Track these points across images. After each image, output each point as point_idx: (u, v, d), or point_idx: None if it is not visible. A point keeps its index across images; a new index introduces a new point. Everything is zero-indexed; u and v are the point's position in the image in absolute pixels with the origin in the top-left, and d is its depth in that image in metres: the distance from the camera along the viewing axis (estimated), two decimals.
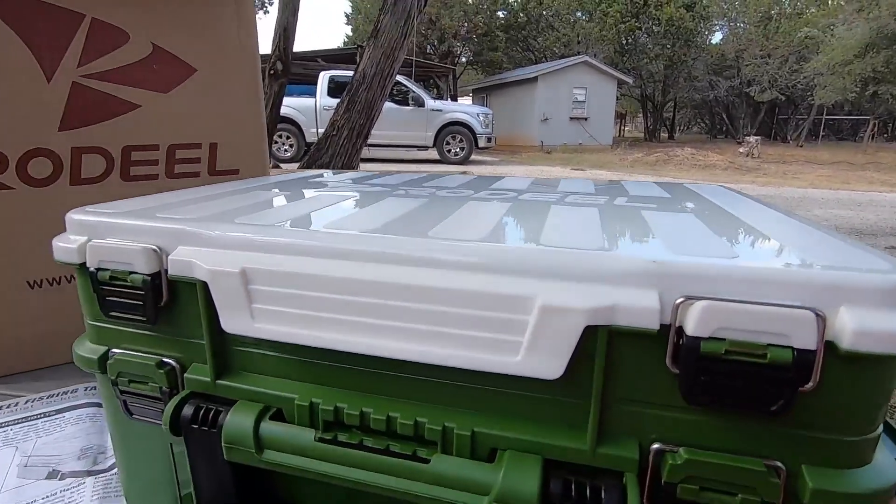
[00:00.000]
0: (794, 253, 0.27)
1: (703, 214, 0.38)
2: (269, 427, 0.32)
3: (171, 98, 0.73)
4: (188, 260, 0.32)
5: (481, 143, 8.79)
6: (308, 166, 3.43)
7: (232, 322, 0.31)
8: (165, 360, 0.35)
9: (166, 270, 0.33)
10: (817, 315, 0.23)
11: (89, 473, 0.49)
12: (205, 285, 0.32)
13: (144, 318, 0.34)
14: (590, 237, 0.30)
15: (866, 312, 0.23)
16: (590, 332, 0.26)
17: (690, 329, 0.24)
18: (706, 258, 0.26)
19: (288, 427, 0.32)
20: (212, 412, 0.33)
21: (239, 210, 0.38)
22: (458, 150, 8.73)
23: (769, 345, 0.24)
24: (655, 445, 0.27)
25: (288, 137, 8.22)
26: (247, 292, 0.31)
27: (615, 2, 16.29)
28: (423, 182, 0.56)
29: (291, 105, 7.94)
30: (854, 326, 0.23)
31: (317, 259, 0.30)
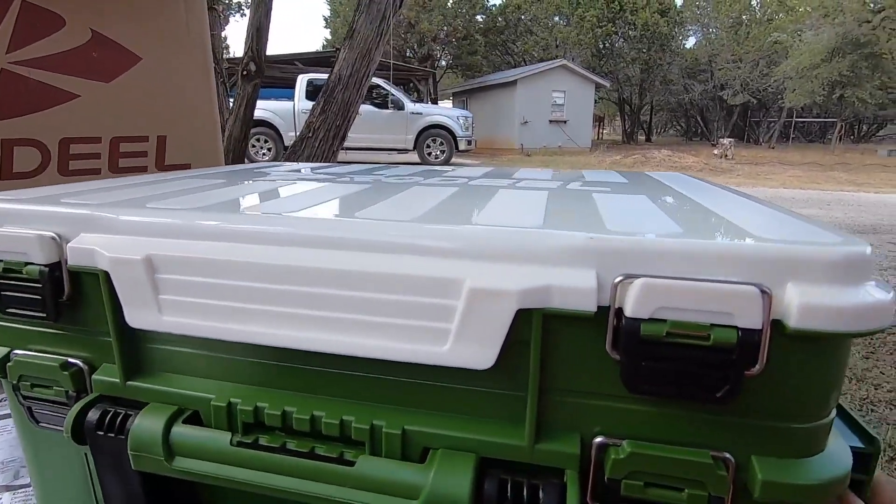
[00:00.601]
0: (742, 229, 0.26)
1: (657, 197, 0.36)
2: (182, 431, 0.29)
3: (113, 88, 0.69)
4: (89, 248, 0.29)
5: (462, 146, 8.80)
6: None
7: (137, 315, 0.28)
8: (71, 360, 0.32)
9: (67, 260, 0.30)
10: (762, 291, 0.21)
11: (7, 489, 0.45)
12: (107, 275, 0.29)
13: (45, 315, 0.31)
14: (529, 217, 0.28)
15: (814, 288, 0.21)
16: (523, 317, 0.24)
17: (630, 310, 0.22)
18: (647, 234, 0.24)
19: (202, 431, 0.29)
20: (119, 416, 0.30)
21: (157, 196, 0.35)
22: (438, 153, 8.72)
23: (713, 325, 0.22)
24: (598, 439, 0.25)
25: (266, 141, 8.11)
26: (152, 282, 0.28)
27: (592, 7, 16.54)
28: (374, 170, 0.53)
29: (269, 108, 7.84)
30: (801, 303, 0.21)
31: (230, 243, 0.27)
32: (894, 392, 1.78)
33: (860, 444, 0.27)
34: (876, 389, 1.80)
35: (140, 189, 0.38)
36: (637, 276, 0.22)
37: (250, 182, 0.43)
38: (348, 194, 0.36)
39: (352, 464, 0.26)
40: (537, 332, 0.24)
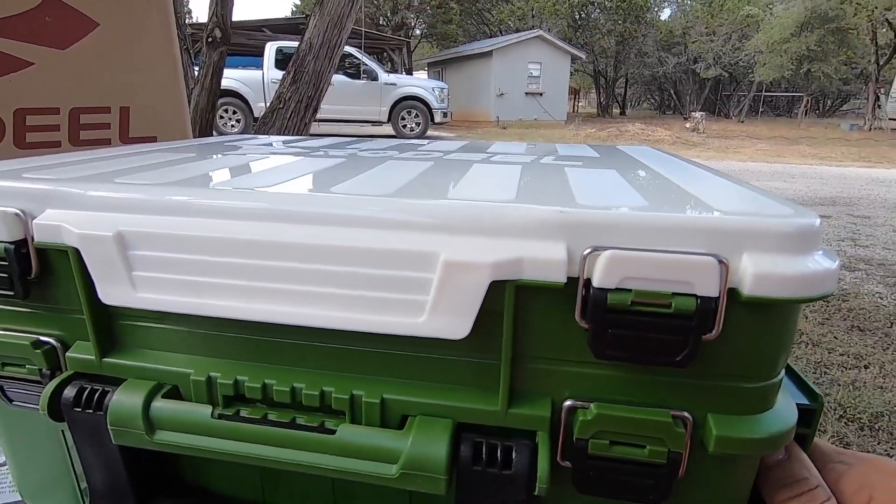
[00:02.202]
0: (703, 202, 0.27)
1: (626, 170, 0.37)
2: (162, 405, 0.29)
3: (70, 55, 0.65)
4: (56, 224, 0.28)
5: (437, 118, 8.69)
6: None
7: (110, 292, 0.28)
8: (43, 338, 0.32)
9: (33, 237, 0.29)
10: (720, 261, 0.23)
11: None
12: (77, 252, 0.28)
13: (13, 293, 0.30)
14: (502, 191, 0.29)
15: (767, 257, 0.23)
16: (497, 288, 0.24)
17: (597, 280, 0.23)
18: (615, 208, 0.25)
19: (182, 404, 0.29)
20: (97, 393, 0.30)
21: (125, 170, 0.34)
22: (413, 125, 8.59)
23: (674, 294, 0.23)
24: (567, 402, 0.26)
25: (234, 112, 7.82)
26: (125, 258, 0.27)
27: None
28: (348, 144, 0.53)
29: (237, 78, 7.54)
30: (755, 272, 0.22)
31: (204, 219, 0.27)
32: (846, 356, 1.89)
33: (805, 401, 0.29)
34: (829, 353, 1.91)
35: (106, 163, 0.37)
36: (604, 249, 0.23)
37: (221, 156, 0.42)
38: (323, 168, 0.36)
39: (332, 432, 0.27)
40: (510, 302, 0.25)
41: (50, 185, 0.30)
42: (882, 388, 1.69)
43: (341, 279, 0.25)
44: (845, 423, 1.52)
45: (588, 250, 0.24)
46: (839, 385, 1.71)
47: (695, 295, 0.23)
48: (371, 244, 0.25)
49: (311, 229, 0.26)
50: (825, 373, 1.81)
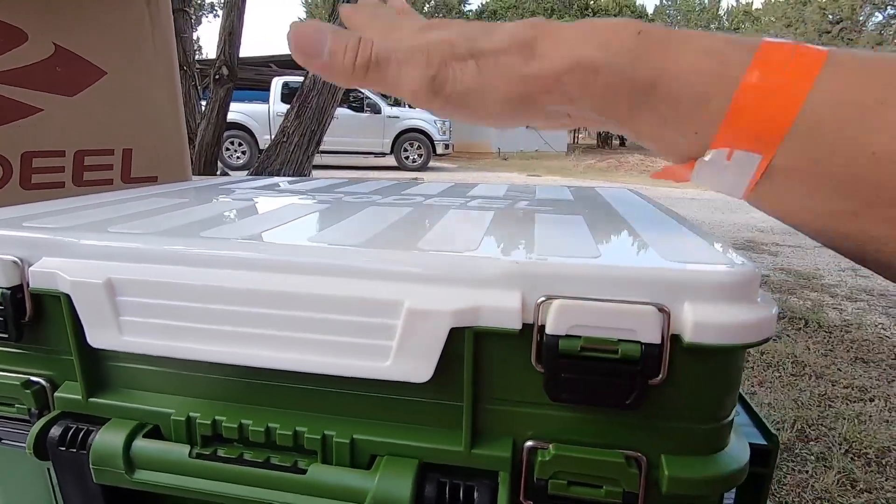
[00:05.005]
0: (653, 252, 0.29)
1: (593, 217, 0.39)
2: (142, 445, 0.30)
3: (77, 102, 0.69)
4: (51, 271, 0.30)
5: (439, 150, 8.84)
6: (257, 174, 3.36)
7: (98, 336, 0.30)
8: (33, 379, 0.33)
9: (28, 283, 0.31)
10: (660, 310, 0.24)
11: None
12: (68, 298, 0.30)
13: (6, 335, 0.32)
14: (467, 241, 0.31)
15: (706, 306, 0.24)
16: (457, 334, 0.26)
17: (550, 327, 0.25)
18: (565, 258, 0.27)
19: (161, 444, 0.30)
20: (81, 432, 0.31)
21: (119, 219, 0.36)
22: (415, 156, 8.74)
23: (620, 340, 0.25)
24: (528, 443, 0.28)
25: (240, 144, 8.00)
26: (113, 304, 0.29)
27: (567, 14, 16.83)
28: (337, 187, 0.55)
29: (244, 111, 7.74)
30: (694, 320, 0.24)
31: (187, 267, 0.29)
32: (850, 388, 1.87)
33: (762, 441, 0.30)
34: (833, 385, 1.89)
35: (102, 210, 0.39)
36: (555, 298, 0.25)
37: (215, 201, 0.45)
38: (306, 216, 0.38)
39: (304, 472, 0.28)
40: (469, 347, 0.26)
41: (47, 234, 0.32)
42: (888, 421, 1.67)
43: (313, 325, 0.27)
44: (851, 458, 1.49)
45: (541, 299, 0.25)
46: (844, 419, 1.68)
47: (639, 342, 0.24)
48: (341, 292, 0.27)
49: (287, 278, 0.28)
50: (829, 405, 1.78)
